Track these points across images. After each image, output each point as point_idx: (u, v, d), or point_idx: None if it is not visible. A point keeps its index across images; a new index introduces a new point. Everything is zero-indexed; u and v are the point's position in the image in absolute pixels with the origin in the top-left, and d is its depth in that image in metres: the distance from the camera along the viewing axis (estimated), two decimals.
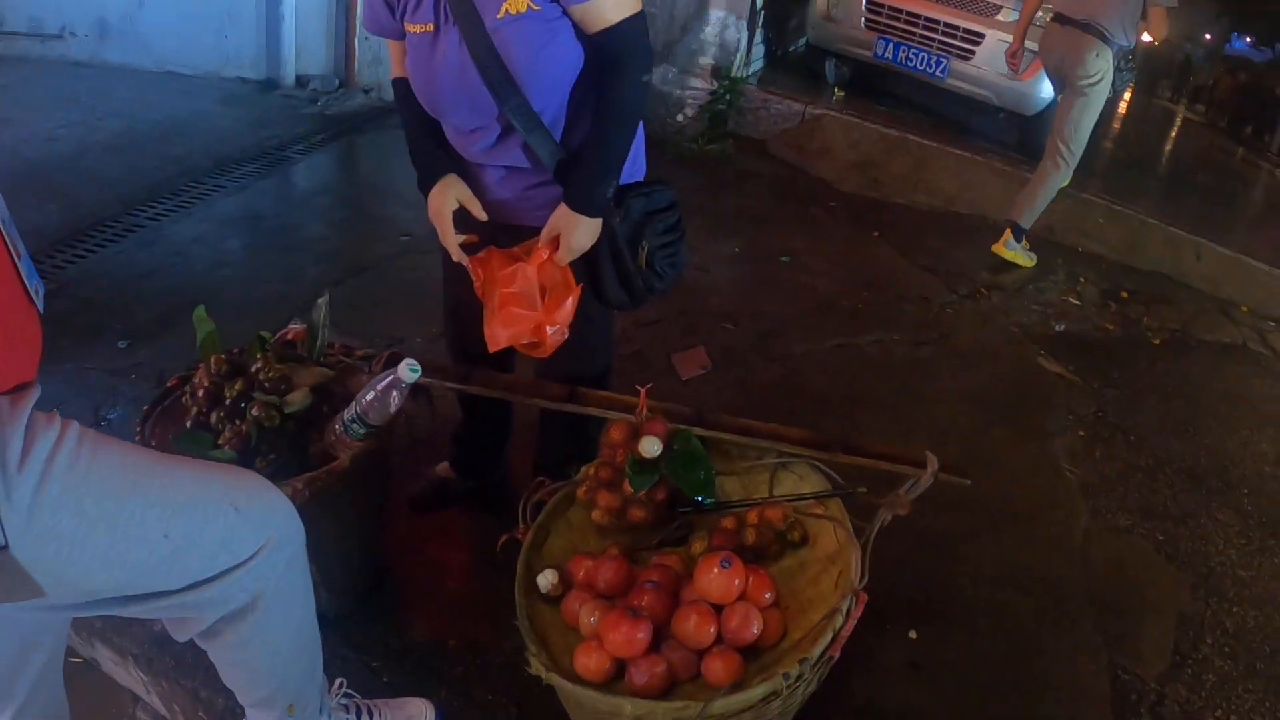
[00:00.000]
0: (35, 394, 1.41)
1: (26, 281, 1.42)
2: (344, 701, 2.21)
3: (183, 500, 1.56)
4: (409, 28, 2.21)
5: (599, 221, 2.23)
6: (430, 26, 2.16)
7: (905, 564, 2.78)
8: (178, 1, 7.45)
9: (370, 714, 2.23)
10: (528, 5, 2.05)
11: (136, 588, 1.56)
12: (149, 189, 5.19)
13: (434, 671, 2.49)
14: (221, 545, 1.62)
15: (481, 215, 2.32)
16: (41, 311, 1.46)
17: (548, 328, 2.22)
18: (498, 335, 2.26)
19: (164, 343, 3.78)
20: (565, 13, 2.09)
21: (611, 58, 2.13)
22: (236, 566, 1.64)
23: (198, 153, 5.82)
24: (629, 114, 2.18)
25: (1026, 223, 5.69)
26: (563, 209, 2.21)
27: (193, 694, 2.42)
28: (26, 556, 1.37)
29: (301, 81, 7.55)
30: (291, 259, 4.75)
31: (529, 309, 2.22)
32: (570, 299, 2.22)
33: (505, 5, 2.05)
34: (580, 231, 2.21)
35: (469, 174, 2.41)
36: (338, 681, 2.22)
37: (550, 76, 2.15)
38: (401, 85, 2.38)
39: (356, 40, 7.45)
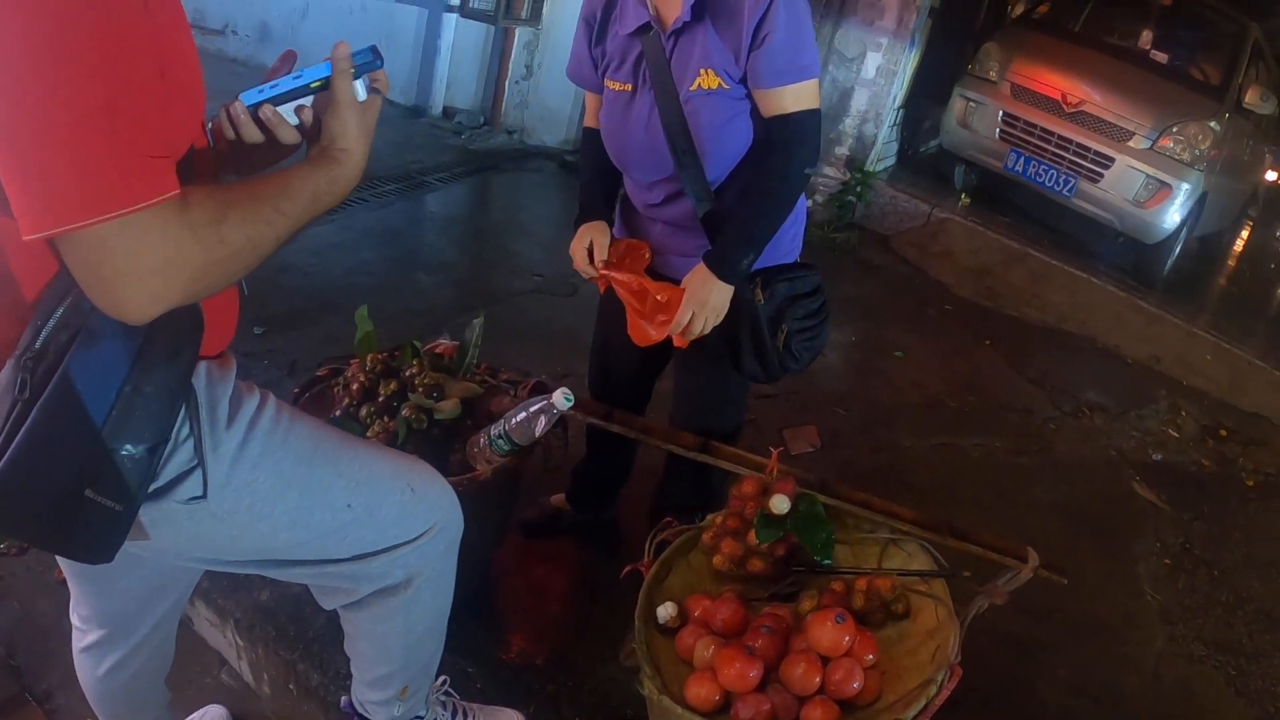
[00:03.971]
0: (235, 363, 1.56)
1: None
2: (443, 698, 2.28)
3: (366, 474, 1.67)
4: (609, 84, 2.37)
5: (731, 288, 2.31)
6: (629, 87, 2.32)
7: (986, 659, 2.86)
8: (341, 17, 7.77)
9: (466, 715, 2.30)
10: (719, 83, 2.19)
11: (309, 552, 1.66)
12: None
13: (526, 685, 2.56)
14: (394, 521, 1.71)
15: (600, 260, 2.45)
16: (245, 293, 1.59)
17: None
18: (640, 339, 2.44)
19: (296, 335, 4.02)
20: (748, 94, 2.23)
21: (781, 143, 2.22)
22: (404, 544, 1.73)
23: None
24: (785, 197, 2.27)
25: None
26: (701, 270, 2.30)
27: (289, 666, 2.51)
28: (221, 507, 1.48)
29: (448, 113, 7.81)
30: (425, 279, 4.97)
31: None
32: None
33: (699, 79, 2.19)
34: (716, 294, 2.29)
35: (639, 224, 2.56)
36: (441, 678, 2.28)
37: (727, 150, 2.28)
38: (590, 134, 2.55)
39: (507, 82, 7.63)
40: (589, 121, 2.60)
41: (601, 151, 2.50)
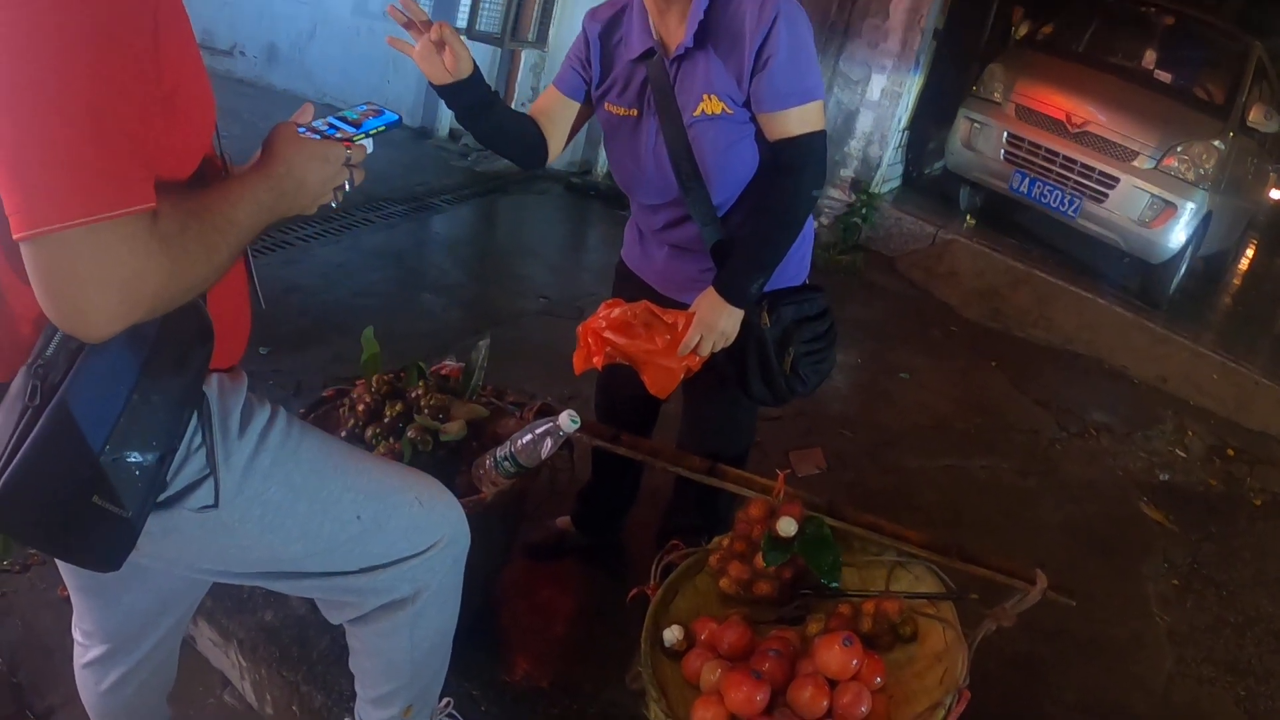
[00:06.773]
0: (245, 377, 1.57)
1: (255, 280, 1.59)
2: None
3: (374, 487, 1.69)
4: (611, 109, 2.36)
5: (741, 312, 2.31)
6: (634, 112, 2.31)
7: (994, 681, 2.82)
8: (346, 42, 7.84)
9: None
10: (722, 108, 2.19)
11: (317, 564, 1.67)
12: None
13: (530, 709, 2.56)
14: (403, 534, 1.72)
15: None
16: (262, 307, 1.62)
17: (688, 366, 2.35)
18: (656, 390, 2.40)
19: (302, 356, 4.02)
20: (753, 118, 2.23)
21: (787, 166, 2.21)
22: (412, 556, 1.74)
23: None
24: (793, 220, 2.25)
25: None
26: (710, 293, 2.29)
27: (293, 687, 2.50)
28: (232, 517, 1.50)
29: (454, 135, 7.82)
30: (431, 301, 4.99)
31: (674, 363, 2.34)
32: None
33: (702, 105, 2.19)
34: (725, 318, 2.28)
35: (647, 247, 2.57)
36: (445, 700, 2.28)
37: (733, 175, 2.29)
38: (525, 118, 2.45)
39: (512, 104, 7.63)
40: (532, 110, 2.48)
41: (521, 120, 2.44)
